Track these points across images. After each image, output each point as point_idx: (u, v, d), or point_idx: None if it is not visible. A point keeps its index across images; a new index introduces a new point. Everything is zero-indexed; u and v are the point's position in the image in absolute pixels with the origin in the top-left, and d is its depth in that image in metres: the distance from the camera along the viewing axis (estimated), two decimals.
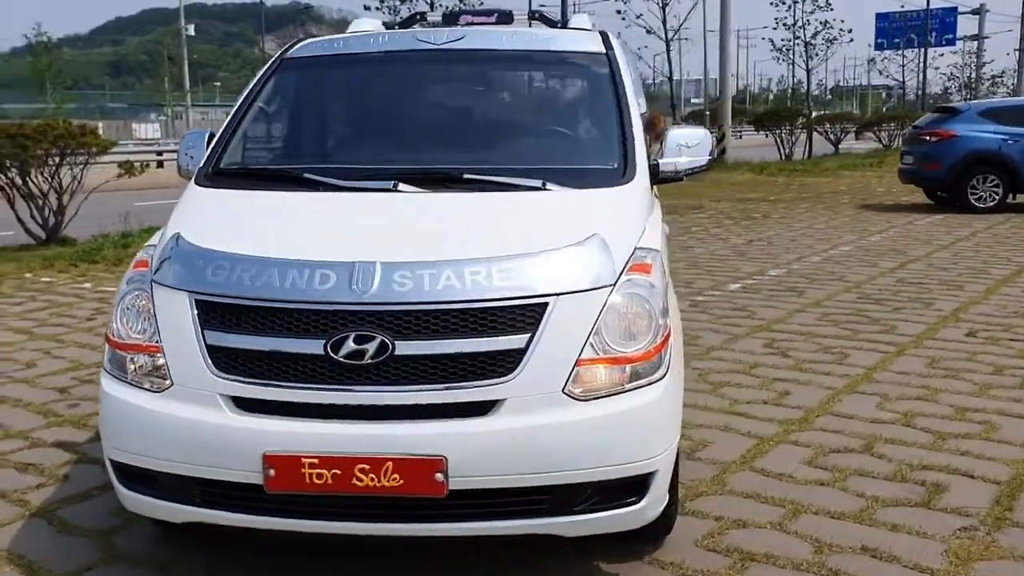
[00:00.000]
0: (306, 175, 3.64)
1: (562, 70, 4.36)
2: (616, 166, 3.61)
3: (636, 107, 3.90)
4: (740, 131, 39.94)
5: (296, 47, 4.40)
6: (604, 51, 4.16)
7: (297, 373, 2.89)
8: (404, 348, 2.86)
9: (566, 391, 2.89)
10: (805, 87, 36.53)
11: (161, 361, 3.03)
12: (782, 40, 33.37)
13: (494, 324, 2.90)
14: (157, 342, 3.05)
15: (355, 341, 2.87)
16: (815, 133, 32.42)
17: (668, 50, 26.31)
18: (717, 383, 5.57)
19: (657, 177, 3.88)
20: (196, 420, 2.94)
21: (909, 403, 5.18)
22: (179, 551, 3.51)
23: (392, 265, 2.96)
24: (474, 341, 2.88)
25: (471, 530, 2.95)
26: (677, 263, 9.91)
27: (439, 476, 2.82)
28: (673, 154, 3.88)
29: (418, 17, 5.11)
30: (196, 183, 3.75)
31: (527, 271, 2.97)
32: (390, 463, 2.82)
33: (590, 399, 2.92)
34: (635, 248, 3.21)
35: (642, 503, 3.02)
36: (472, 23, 4.75)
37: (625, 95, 3.92)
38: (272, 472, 2.86)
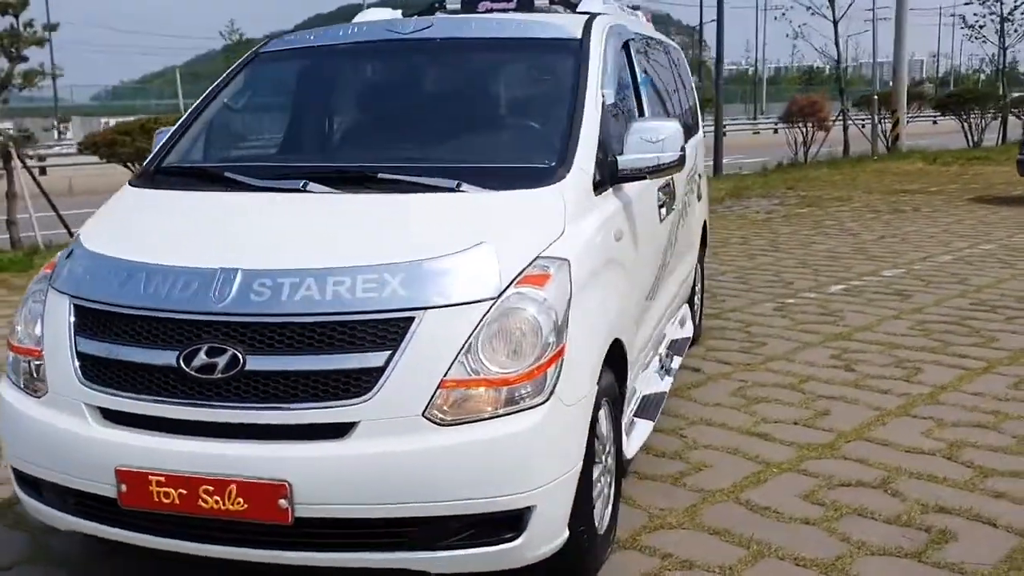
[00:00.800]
0: (226, 174, 3.50)
1: (527, 59, 4.05)
2: (551, 165, 3.28)
3: (595, 100, 3.55)
4: (931, 117, 37.06)
5: (274, 41, 4.29)
6: (577, 38, 3.82)
7: (153, 385, 2.77)
8: (254, 363, 2.69)
9: (426, 415, 2.63)
10: (999, 66, 33.57)
11: (41, 366, 2.98)
12: (975, 16, 30.84)
13: (352, 340, 2.67)
14: (41, 347, 3.01)
15: (207, 354, 2.72)
16: (1012, 118, 29.70)
17: (836, 32, 24.76)
18: (754, 399, 5.10)
19: (616, 176, 3.52)
20: (63, 429, 2.88)
21: (963, 430, 4.56)
22: (99, 554, 3.46)
23: (254, 273, 2.78)
24: (328, 358, 2.67)
25: (324, 561, 2.75)
26: (785, 261, 9.29)
27: (283, 502, 2.63)
28: (635, 149, 3.50)
29: (436, 5, 4.89)
30: (129, 183, 3.70)
31: (394, 282, 2.72)
32: (234, 486, 2.66)
33: (455, 424, 2.64)
34: (537, 257, 2.90)
35: (519, 541, 2.73)
36: (492, 9, 4.51)
37: (584, 87, 3.57)
38: (124, 487, 2.76)
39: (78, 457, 2.84)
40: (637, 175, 3.55)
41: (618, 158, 3.51)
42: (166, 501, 2.72)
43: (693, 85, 6.19)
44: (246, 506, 2.66)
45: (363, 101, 4.15)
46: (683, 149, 3.60)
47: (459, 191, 3.17)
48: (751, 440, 4.50)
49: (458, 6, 4.77)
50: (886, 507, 3.75)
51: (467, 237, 2.87)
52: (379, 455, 2.62)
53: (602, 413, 3.18)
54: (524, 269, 2.84)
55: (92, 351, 2.88)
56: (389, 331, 2.66)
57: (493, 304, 2.74)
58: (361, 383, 2.63)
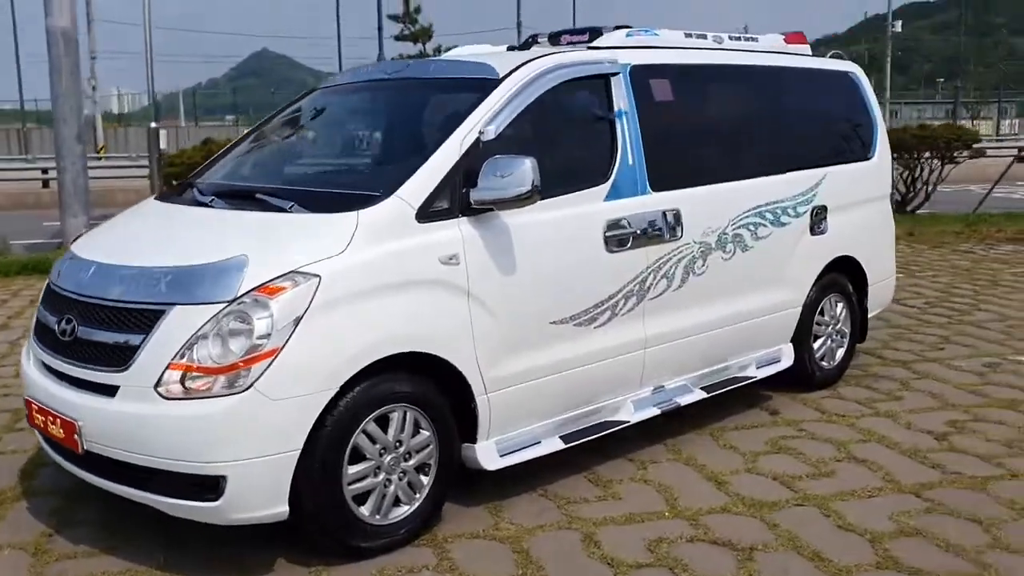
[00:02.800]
0: (192, 188, 4.49)
1: (440, 98, 4.44)
2: (376, 194, 3.77)
3: (460, 138, 3.90)
4: None
5: (336, 75, 5.20)
6: (492, 78, 4.18)
7: (48, 340, 3.88)
8: (81, 332, 3.67)
9: (156, 389, 3.40)
10: None
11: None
12: None
13: (125, 322, 3.53)
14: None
15: (65, 322, 3.76)
16: None
17: None
18: (755, 453, 4.85)
19: (469, 207, 3.87)
20: (25, 372, 4.09)
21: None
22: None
23: (102, 266, 3.77)
24: (111, 334, 3.56)
25: (105, 486, 3.64)
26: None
27: (76, 437, 3.58)
28: (485, 183, 3.83)
29: (530, 40, 5.42)
30: (154, 195, 4.86)
31: (163, 282, 3.52)
32: (58, 419, 3.67)
33: (172, 399, 3.38)
34: (291, 271, 3.46)
35: (219, 503, 3.37)
36: (571, 42, 5.00)
37: (458, 125, 3.95)
38: (28, 411, 3.92)
39: (25, 388, 4.04)
40: (485, 207, 3.85)
41: (470, 191, 3.85)
42: (40, 424, 3.81)
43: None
44: (63, 434, 3.64)
45: (309, 129, 4.88)
46: (534, 184, 3.80)
47: (287, 211, 3.82)
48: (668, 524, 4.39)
49: (546, 40, 5.23)
50: None
51: (236, 249, 3.54)
52: (127, 414, 3.44)
53: (372, 416, 3.60)
54: (270, 280, 3.43)
55: (39, 317, 4.06)
56: (147, 319, 3.46)
57: (227, 306, 3.39)
58: (124, 356, 3.47)
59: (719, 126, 5.26)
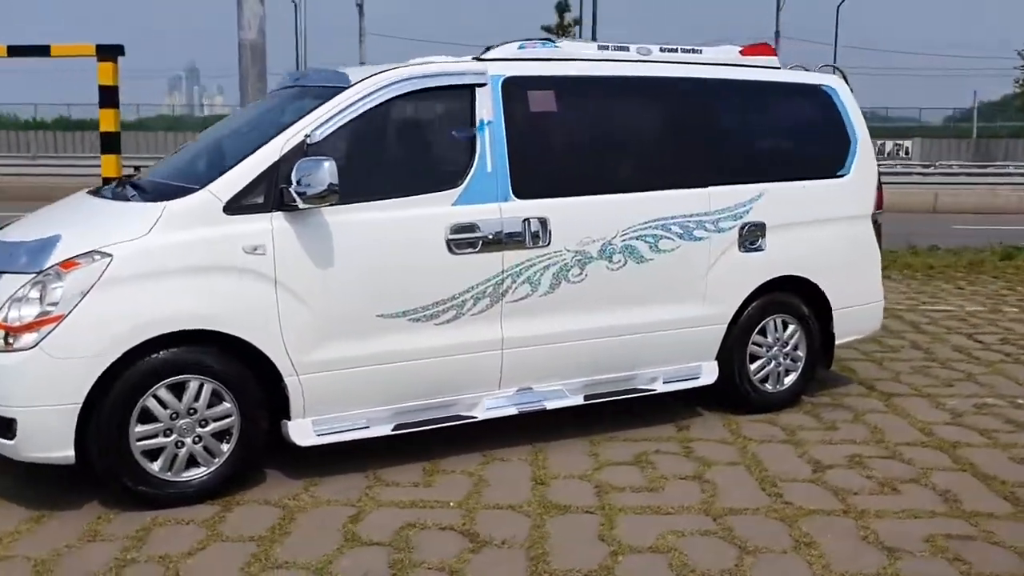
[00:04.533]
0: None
1: (305, 103, 4.71)
2: (193, 187, 4.27)
3: (283, 139, 4.29)
4: None
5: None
6: (341, 86, 4.56)
7: None
8: None
9: None
10: None
11: None
12: None
13: None
14: None
15: None
16: None
17: None
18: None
19: (282, 203, 4.28)
20: None
21: None
22: None
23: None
24: None
25: None
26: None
27: None
28: (295, 182, 4.22)
29: (487, 49, 5.71)
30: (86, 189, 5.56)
31: (10, 253, 4.21)
32: None
33: None
34: (93, 250, 4.03)
35: (12, 442, 4.00)
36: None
37: (286, 128, 4.38)
38: None
39: None
40: (293, 204, 4.23)
41: (283, 188, 4.26)
42: None
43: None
44: None
45: (221, 130, 5.37)
46: (330, 184, 4.14)
47: (129, 200, 4.40)
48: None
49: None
50: None
51: (58, 229, 4.16)
52: None
53: (165, 383, 4.09)
54: (72, 256, 4.01)
55: None
56: None
57: (36, 276, 4.02)
58: None
59: (611, 138, 5.26)
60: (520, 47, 5.03)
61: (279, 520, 4.06)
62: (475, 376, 4.78)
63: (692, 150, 5.34)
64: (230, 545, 3.83)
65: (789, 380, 5.76)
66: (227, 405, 4.24)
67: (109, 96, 7.59)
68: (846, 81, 6.15)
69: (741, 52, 5.71)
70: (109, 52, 7.44)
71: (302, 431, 4.41)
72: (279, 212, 4.27)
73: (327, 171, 4.13)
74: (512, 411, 4.87)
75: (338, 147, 4.43)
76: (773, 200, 5.49)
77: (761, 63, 5.72)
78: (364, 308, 4.44)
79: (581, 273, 4.92)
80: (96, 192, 4.86)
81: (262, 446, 4.39)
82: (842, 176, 5.83)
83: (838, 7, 48.37)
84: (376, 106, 4.51)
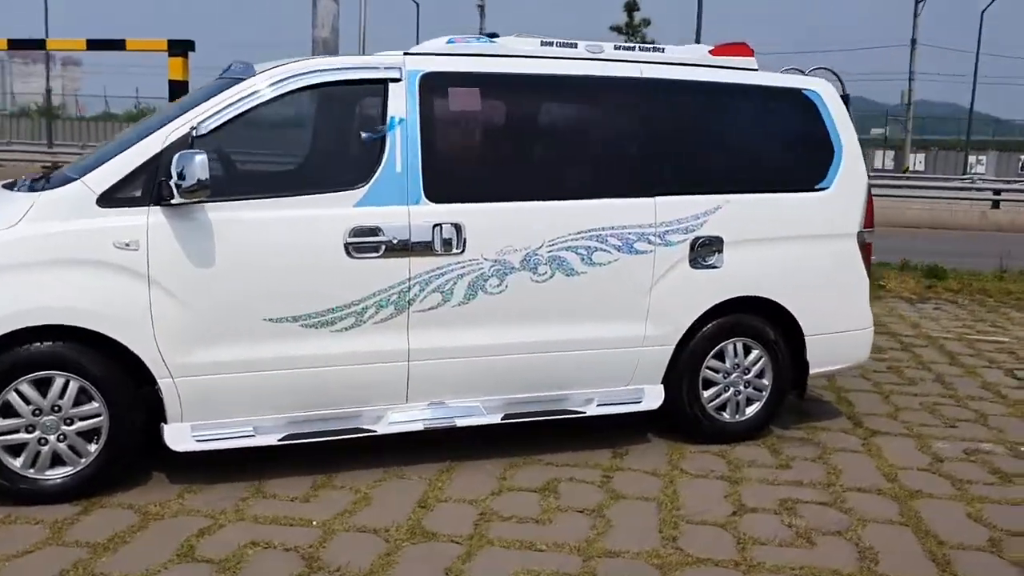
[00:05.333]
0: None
1: (208, 93, 4.56)
2: (75, 178, 4.18)
3: (166, 133, 4.14)
4: None
5: None
6: (242, 77, 4.40)
7: None
8: None
9: None
10: None
11: None
12: None
13: None
14: None
15: None
16: None
17: None
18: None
19: (161, 198, 4.14)
20: None
21: None
22: None
23: None
24: None
25: None
26: None
27: None
28: (174, 175, 4.06)
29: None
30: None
31: None
32: None
33: None
34: None
35: None
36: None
37: (169, 121, 4.24)
38: None
39: None
40: (170, 196, 4.08)
41: (163, 182, 4.11)
42: None
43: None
44: None
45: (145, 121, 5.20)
46: (199, 179, 3.96)
47: (17, 191, 4.34)
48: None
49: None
50: None
51: None
52: None
53: (27, 379, 4.00)
54: None
55: None
56: None
57: None
58: None
59: (541, 141, 4.92)
60: (449, 42, 4.74)
61: (128, 527, 3.92)
62: (378, 388, 4.53)
63: (637, 157, 4.94)
64: (62, 550, 3.70)
65: (752, 410, 5.28)
66: (95, 404, 4.12)
67: (179, 90, 7.69)
68: (842, 87, 5.62)
69: (711, 52, 5.26)
70: (180, 47, 7.56)
71: (179, 436, 4.25)
72: (157, 207, 4.11)
73: (198, 165, 3.95)
74: (418, 426, 4.61)
75: (228, 140, 4.28)
76: (734, 213, 5.03)
77: (734, 64, 5.25)
78: (250, 311, 4.25)
79: (501, 284, 4.60)
80: (11, 184, 4.83)
81: (136, 448, 4.25)
82: (822, 190, 5.30)
83: (982, 12, 45.86)
84: (272, 99, 4.32)
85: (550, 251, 4.67)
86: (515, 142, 4.88)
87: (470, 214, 4.54)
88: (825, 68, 5.69)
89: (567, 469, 4.74)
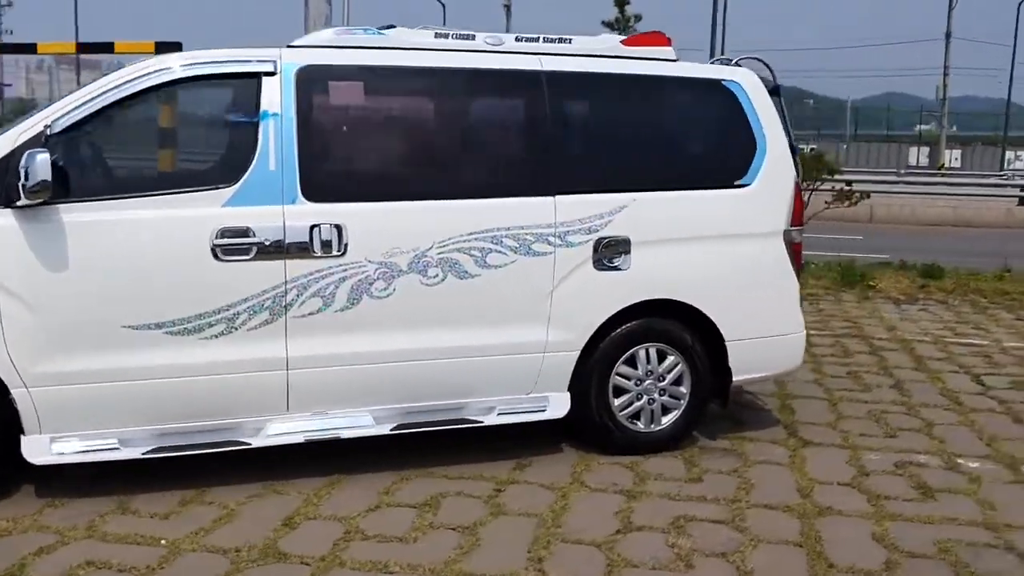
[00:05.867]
0: None
1: None
2: None
3: (21, 130, 4.01)
4: None
5: None
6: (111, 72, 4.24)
7: None
8: None
9: None
10: None
11: None
12: None
13: None
14: None
15: None
16: None
17: None
18: None
19: (10, 199, 3.97)
20: None
21: None
22: None
23: None
24: None
25: None
26: None
27: None
28: (22, 175, 3.89)
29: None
30: None
31: None
32: None
33: None
34: None
35: None
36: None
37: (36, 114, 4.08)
38: None
39: None
40: (17, 198, 3.89)
41: (12, 183, 3.93)
42: None
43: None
44: None
45: None
46: (42, 179, 3.77)
47: None
48: None
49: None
50: None
51: None
52: None
53: None
54: None
55: None
56: None
57: None
58: None
59: (431, 138, 4.68)
60: (336, 33, 4.53)
61: None
62: (255, 398, 4.32)
63: (535, 154, 4.68)
64: None
65: (668, 419, 5.00)
66: None
67: None
68: (773, 77, 5.32)
69: (624, 42, 4.98)
70: (168, 50, 7.45)
71: (36, 448, 4.08)
72: (8, 209, 3.93)
73: (39, 164, 3.78)
74: (299, 439, 4.40)
75: (85, 138, 4.08)
76: (642, 212, 4.76)
77: (648, 55, 4.97)
78: (106, 318, 4.06)
79: (387, 288, 4.37)
80: None
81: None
82: (743, 186, 5.00)
83: (1019, 5, 44.84)
84: (134, 94, 4.12)
85: (440, 253, 4.43)
86: (401, 139, 4.66)
87: (352, 215, 4.32)
88: (755, 58, 5.40)
89: (459, 482, 4.50)
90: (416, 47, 4.59)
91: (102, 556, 3.68)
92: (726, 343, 4.98)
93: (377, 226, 4.36)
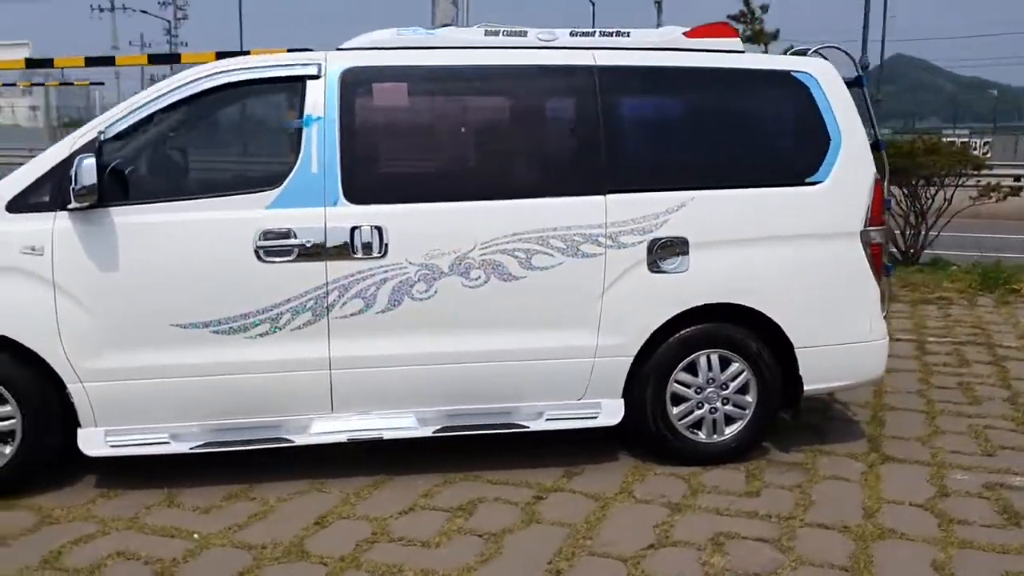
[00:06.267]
0: None
1: None
2: None
3: (76, 139, 4.20)
4: None
5: None
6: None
7: None
8: None
9: None
10: None
11: None
12: None
13: None
14: None
15: None
16: None
17: None
18: None
19: (67, 202, 4.17)
20: None
21: None
22: None
23: None
24: None
25: None
26: None
27: None
28: (73, 180, 4.08)
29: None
30: None
31: None
32: None
33: None
34: None
35: None
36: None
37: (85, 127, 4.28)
38: None
39: None
40: (76, 202, 4.07)
41: (68, 187, 4.12)
42: None
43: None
44: None
45: None
46: (88, 185, 3.95)
47: None
48: None
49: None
50: None
51: None
52: None
53: None
54: None
55: None
56: None
57: None
58: None
59: (475, 138, 4.59)
60: (384, 35, 4.53)
61: (19, 528, 3.94)
62: (300, 397, 4.38)
63: (585, 151, 4.54)
64: None
65: (732, 429, 4.76)
66: (9, 408, 4.17)
67: None
68: (856, 68, 5.00)
69: (686, 34, 4.78)
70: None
71: (92, 440, 4.26)
72: (64, 212, 4.12)
73: (85, 169, 3.94)
74: (342, 438, 4.42)
75: (136, 143, 4.25)
76: (701, 211, 4.55)
77: (712, 47, 4.75)
78: (157, 317, 4.20)
79: (429, 290, 4.34)
80: None
81: (51, 450, 4.27)
82: (815, 183, 4.71)
83: None
84: (182, 99, 4.25)
85: (483, 254, 4.36)
86: (444, 139, 4.61)
87: (392, 216, 4.31)
88: (834, 47, 5.07)
89: (502, 488, 4.43)
90: (465, 45, 4.53)
91: (133, 547, 3.79)
92: (796, 350, 4.69)
93: (417, 227, 4.33)
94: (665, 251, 4.50)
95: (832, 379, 4.83)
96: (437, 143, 4.58)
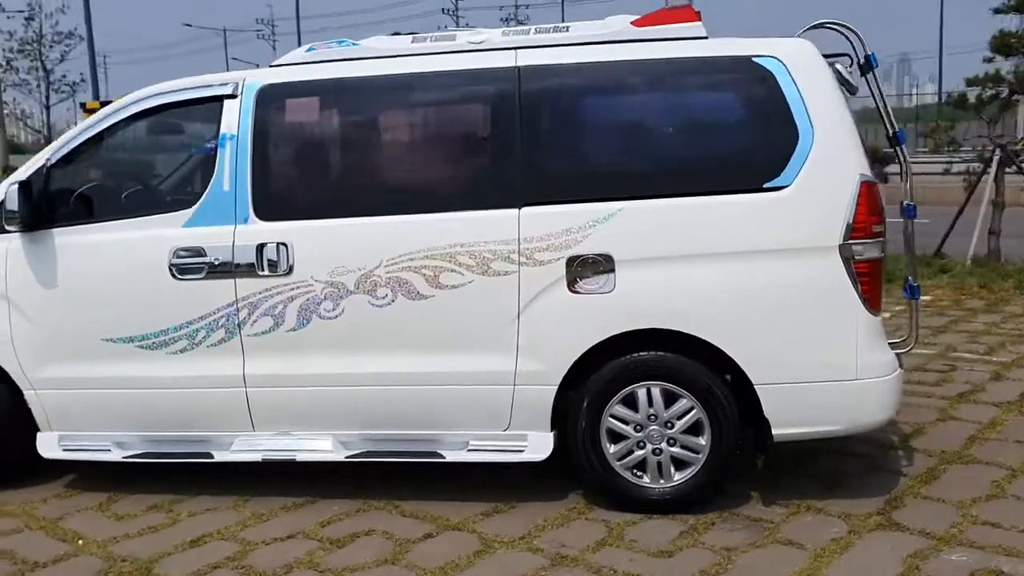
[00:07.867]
0: None
1: None
2: None
3: (32, 164, 4.60)
4: None
5: None
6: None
7: None
8: None
9: None
10: None
11: None
12: None
13: None
14: None
15: None
16: None
17: None
18: None
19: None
20: None
21: None
22: None
23: None
24: None
25: None
26: None
27: None
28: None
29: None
30: None
31: None
32: None
33: None
34: None
35: None
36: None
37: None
38: None
39: None
40: (7, 226, 4.46)
41: None
42: None
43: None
44: None
45: None
46: (10, 209, 4.31)
47: None
48: None
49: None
50: None
51: None
52: None
53: None
54: None
55: None
56: None
57: None
58: None
59: (384, 151, 4.34)
60: (308, 50, 4.48)
61: None
62: (221, 413, 4.45)
63: (497, 161, 4.16)
64: None
65: (683, 475, 4.15)
66: None
67: None
68: (864, 48, 4.18)
69: (634, 23, 4.24)
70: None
71: (48, 444, 4.60)
72: (16, 233, 4.49)
73: (11, 196, 4.28)
74: (256, 457, 4.42)
75: (75, 168, 4.52)
76: (630, 224, 4.01)
77: (666, 35, 4.18)
78: (88, 331, 4.45)
79: (336, 308, 4.23)
80: None
81: (18, 454, 4.65)
82: (778, 189, 3.97)
83: None
84: (112, 125, 4.47)
85: (389, 272, 4.16)
86: (354, 153, 4.42)
87: (298, 232, 4.24)
88: (835, 24, 4.25)
89: (406, 521, 4.20)
90: (385, 55, 4.34)
91: (13, 547, 4.01)
92: (756, 387, 3.98)
93: (322, 244, 4.21)
94: (586, 269, 4.01)
95: (808, 423, 4.05)
96: (347, 157, 4.43)
